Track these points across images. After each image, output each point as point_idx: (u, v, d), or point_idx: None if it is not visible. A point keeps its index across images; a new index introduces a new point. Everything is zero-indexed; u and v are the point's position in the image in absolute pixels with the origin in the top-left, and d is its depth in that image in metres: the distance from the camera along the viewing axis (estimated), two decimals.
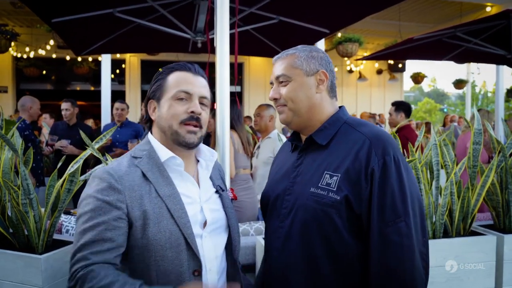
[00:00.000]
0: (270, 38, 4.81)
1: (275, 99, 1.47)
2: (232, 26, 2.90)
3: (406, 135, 4.42)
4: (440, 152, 2.82)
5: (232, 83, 2.49)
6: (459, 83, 13.02)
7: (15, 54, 10.57)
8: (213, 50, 2.60)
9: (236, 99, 3.08)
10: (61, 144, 5.06)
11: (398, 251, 1.25)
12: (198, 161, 1.50)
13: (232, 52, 2.58)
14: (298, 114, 1.44)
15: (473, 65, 13.75)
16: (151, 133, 1.46)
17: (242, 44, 4.84)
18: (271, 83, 1.51)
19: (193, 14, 4.29)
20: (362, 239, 1.31)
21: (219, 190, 1.50)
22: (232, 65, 2.54)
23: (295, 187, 1.41)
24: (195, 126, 1.38)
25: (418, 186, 1.36)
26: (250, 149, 3.76)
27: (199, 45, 4.16)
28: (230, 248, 1.46)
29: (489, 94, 31.56)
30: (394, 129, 3.21)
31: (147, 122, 1.47)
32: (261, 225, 2.99)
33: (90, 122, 8.27)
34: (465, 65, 13.56)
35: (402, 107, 4.98)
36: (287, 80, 1.44)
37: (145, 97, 1.47)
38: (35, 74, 10.71)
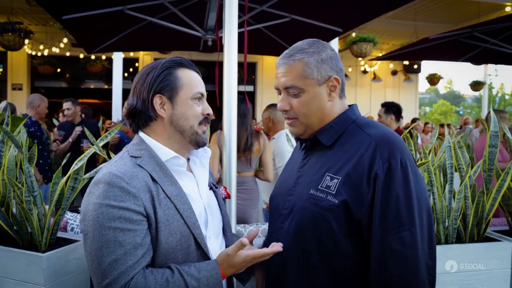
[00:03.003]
0: (282, 37, 4.75)
1: (285, 110, 1.37)
2: (242, 25, 2.84)
3: None
4: (454, 155, 2.72)
5: (241, 82, 2.45)
6: (476, 85, 12.77)
7: (30, 52, 10.68)
8: (222, 49, 2.56)
9: (245, 98, 3.02)
10: (85, 148, 5.01)
11: (400, 262, 1.16)
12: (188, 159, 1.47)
13: (241, 51, 2.52)
14: (311, 127, 1.36)
15: (490, 67, 13.50)
16: (143, 130, 1.35)
17: (254, 43, 4.79)
18: (277, 89, 1.40)
19: (204, 12, 4.25)
20: (361, 247, 1.23)
21: (213, 187, 1.49)
22: (242, 64, 2.49)
23: (297, 188, 1.35)
24: (205, 126, 1.40)
25: (428, 194, 1.25)
26: (248, 153, 3.61)
27: (210, 43, 4.13)
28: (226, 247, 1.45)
29: (507, 97, 31.03)
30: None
31: (138, 116, 1.33)
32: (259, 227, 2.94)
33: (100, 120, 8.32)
34: (482, 66, 13.30)
35: (392, 108, 4.72)
36: (298, 92, 1.33)
37: (143, 91, 1.31)
38: (49, 72, 10.81)
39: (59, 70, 11.33)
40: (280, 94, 1.39)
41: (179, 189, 1.28)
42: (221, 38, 2.90)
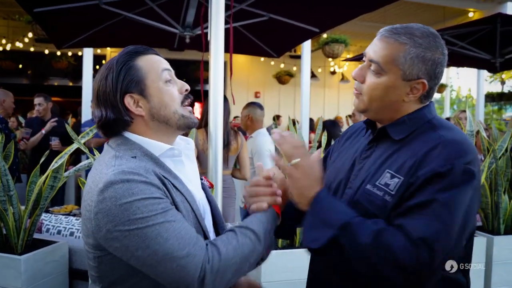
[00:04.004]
0: (259, 36, 4.74)
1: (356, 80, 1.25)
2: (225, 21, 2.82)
3: None
4: None
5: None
6: (439, 87, 13.20)
7: None
8: (206, 47, 2.54)
9: (232, 96, 3.01)
10: (54, 146, 4.85)
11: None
12: None
13: (225, 49, 2.50)
14: (374, 112, 1.25)
15: (452, 70, 14.02)
16: (125, 131, 1.22)
17: (229, 42, 4.76)
18: (364, 56, 1.25)
19: (181, 8, 4.19)
20: None
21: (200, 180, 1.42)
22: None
23: (356, 180, 1.24)
24: (190, 105, 1.29)
25: (475, 217, 1.14)
26: (225, 151, 3.55)
27: (187, 40, 4.06)
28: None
29: (463, 99, 32.35)
30: None
31: (114, 126, 1.20)
32: None
33: (69, 118, 8.06)
34: (445, 69, 13.79)
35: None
36: (379, 72, 1.19)
37: (108, 97, 1.17)
38: (11, 68, 10.35)
39: (21, 66, 10.87)
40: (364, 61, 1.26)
41: (182, 183, 1.22)
42: (202, 35, 2.87)
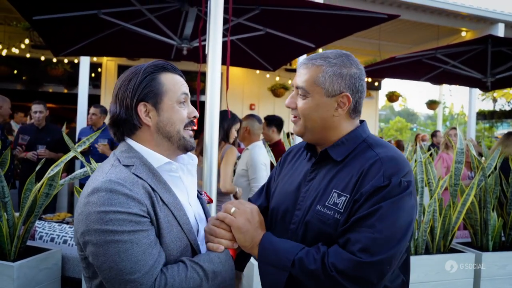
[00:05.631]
0: (256, 49, 4.81)
1: (290, 108, 1.39)
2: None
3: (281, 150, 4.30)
4: (425, 170, 2.85)
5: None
6: (432, 104, 13.35)
7: None
8: (203, 59, 2.58)
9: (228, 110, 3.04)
10: (40, 153, 4.89)
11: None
12: None
13: (222, 62, 2.54)
14: (311, 132, 1.37)
15: (445, 87, 14.20)
16: (131, 138, 1.31)
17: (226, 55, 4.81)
18: (293, 87, 1.42)
19: (179, 20, 4.24)
20: None
21: (198, 194, 1.48)
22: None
23: (305, 202, 1.34)
24: (192, 130, 1.37)
25: (413, 225, 1.26)
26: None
27: (185, 52, 4.11)
28: None
29: (455, 116, 32.66)
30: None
31: (123, 125, 1.29)
32: None
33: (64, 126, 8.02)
34: (437, 86, 13.96)
35: (274, 122, 4.83)
36: (305, 94, 1.34)
37: (126, 98, 1.26)
38: (5, 73, 10.33)
39: (16, 71, 10.84)
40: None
41: (174, 196, 1.28)
42: (200, 47, 2.92)
